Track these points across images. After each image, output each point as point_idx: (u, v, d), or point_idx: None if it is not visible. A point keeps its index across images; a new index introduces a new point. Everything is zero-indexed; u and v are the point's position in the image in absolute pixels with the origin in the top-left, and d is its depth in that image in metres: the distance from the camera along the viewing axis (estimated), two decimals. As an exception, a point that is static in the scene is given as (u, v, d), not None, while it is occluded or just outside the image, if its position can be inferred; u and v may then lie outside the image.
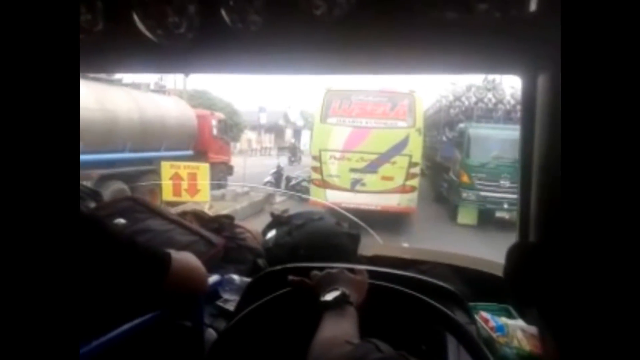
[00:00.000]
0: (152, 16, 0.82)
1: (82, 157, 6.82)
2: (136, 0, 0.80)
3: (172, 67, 1.32)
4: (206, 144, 11.89)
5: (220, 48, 0.93)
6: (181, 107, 11.14)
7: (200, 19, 0.82)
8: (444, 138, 12.93)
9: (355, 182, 8.73)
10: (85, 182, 6.38)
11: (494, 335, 1.11)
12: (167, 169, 7.46)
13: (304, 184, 10.70)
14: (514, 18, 0.71)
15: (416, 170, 8.77)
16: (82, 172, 6.56)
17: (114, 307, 0.74)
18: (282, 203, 8.70)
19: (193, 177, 7.25)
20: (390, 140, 8.59)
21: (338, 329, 0.73)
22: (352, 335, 0.71)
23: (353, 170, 8.70)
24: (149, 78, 10.30)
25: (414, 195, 8.84)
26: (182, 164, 7.57)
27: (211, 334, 1.04)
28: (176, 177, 7.18)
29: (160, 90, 11.22)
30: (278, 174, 12.61)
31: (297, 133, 43.17)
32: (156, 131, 9.46)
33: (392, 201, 8.66)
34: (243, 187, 9.60)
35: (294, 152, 23.51)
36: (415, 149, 8.61)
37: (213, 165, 10.23)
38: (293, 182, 11.68)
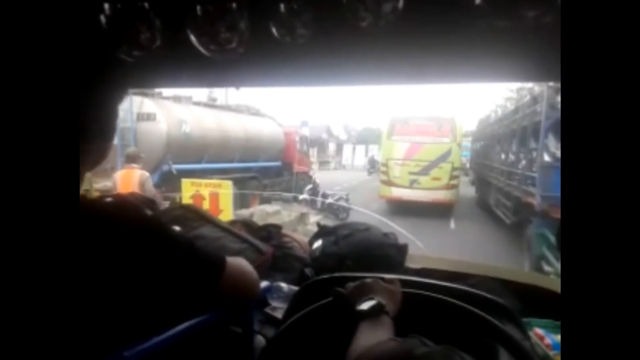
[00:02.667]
0: (206, 32, 0.86)
1: (207, 165, 9.90)
2: (191, 18, 0.85)
3: (224, 81, 1.38)
4: (291, 156, 14.08)
5: (269, 61, 0.96)
6: (272, 126, 13.61)
7: (250, 33, 0.86)
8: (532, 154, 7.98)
9: (413, 181, 12.20)
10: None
11: (551, 353, 1.06)
12: (187, 187, 7.19)
13: (341, 202, 10.15)
14: None
15: (457, 173, 12.39)
16: (207, 177, 8.45)
17: (171, 307, 0.77)
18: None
19: (215, 197, 6.97)
20: (437, 151, 12.15)
21: (374, 337, 0.72)
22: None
23: (411, 173, 12.26)
24: (190, 92, 11.01)
25: (456, 191, 12.48)
26: (203, 181, 7.66)
27: (260, 340, 1.05)
28: (197, 196, 6.99)
29: (213, 103, 11.93)
30: (314, 191, 12.07)
31: (339, 147, 43.15)
32: (255, 146, 11.99)
33: (440, 196, 12.09)
34: (274, 206, 9.43)
35: (372, 164, 26.23)
36: (456, 158, 12.39)
37: (297, 174, 14.07)
38: (329, 199, 10.60)
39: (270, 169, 13.05)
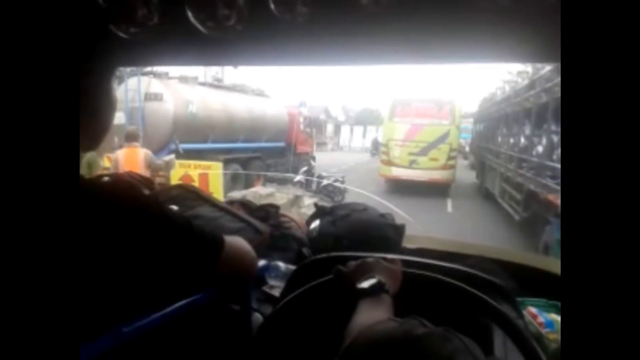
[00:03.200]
0: (204, 9, 0.85)
1: (213, 145, 10.04)
2: None
3: (223, 60, 1.36)
4: (295, 137, 13.98)
5: (268, 40, 0.95)
6: (276, 107, 13.74)
7: (249, 11, 0.84)
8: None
9: (412, 162, 12.71)
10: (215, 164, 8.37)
11: (543, 331, 1.08)
12: (175, 168, 7.10)
13: (337, 184, 10.01)
14: None
15: (454, 154, 12.85)
16: (213, 157, 9.13)
17: (169, 285, 0.78)
18: (312, 206, 7.76)
19: (204, 179, 6.93)
20: (436, 133, 12.60)
21: (373, 315, 0.73)
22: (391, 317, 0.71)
23: (410, 153, 12.71)
24: (196, 72, 11.24)
25: (453, 171, 12.97)
26: (192, 162, 7.68)
27: (257, 317, 1.07)
28: (186, 177, 6.97)
29: (219, 84, 11.86)
30: (309, 173, 11.85)
31: (337, 128, 42.92)
32: (259, 126, 12.09)
33: (437, 175, 12.57)
34: (267, 189, 9.30)
35: (376, 147, 26.28)
36: (454, 139, 12.82)
37: (299, 155, 14.13)
38: (325, 182, 10.30)
39: (274, 149, 13.17)
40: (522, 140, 8.43)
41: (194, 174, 7.17)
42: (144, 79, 9.07)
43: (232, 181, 10.10)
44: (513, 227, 7.99)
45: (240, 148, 11.36)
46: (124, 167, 5.50)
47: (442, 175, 12.60)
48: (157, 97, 9.09)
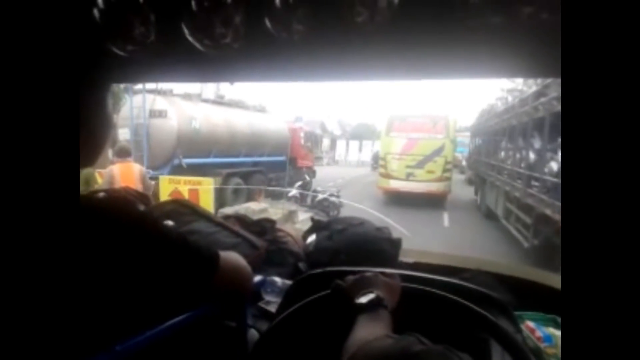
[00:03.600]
0: (200, 27, 0.86)
1: (215, 160, 10.46)
2: (186, 12, 0.84)
3: (219, 77, 1.37)
4: (296, 151, 14.42)
5: (264, 57, 0.96)
6: (277, 122, 14.25)
7: (245, 29, 0.85)
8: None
9: (409, 174, 13.29)
10: (217, 178, 9.36)
11: (542, 345, 1.08)
12: (165, 185, 7.10)
13: (333, 199, 9.91)
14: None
15: (449, 166, 13.36)
16: (215, 171, 9.88)
17: (164, 303, 0.77)
18: (306, 221, 7.44)
19: (194, 195, 6.93)
20: (432, 146, 13.21)
21: (372, 330, 0.73)
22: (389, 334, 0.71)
23: (407, 166, 13.34)
24: (198, 89, 11.54)
25: (449, 183, 13.41)
26: (182, 178, 7.76)
27: (254, 334, 1.06)
28: (176, 193, 6.97)
29: (221, 100, 12.13)
30: (304, 187, 12.05)
31: (333, 142, 43.04)
32: (261, 141, 12.48)
33: (434, 187, 13.19)
34: (260, 204, 9.16)
35: (376, 160, 26.55)
36: (449, 152, 13.33)
37: (300, 169, 14.76)
38: (320, 197, 10.12)
39: (276, 164, 13.40)
40: (531, 155, 7.65)
41: (184, 189, 7.13)
42: (149, 96, 9.41)
43: (234, 194, 10.55)
44: (519, 252, 7.24)
45: (242, 162, 11.74)
46: (121, 183, 5.55)
47: (438, 187, 13.22)
48: (162, 114, 9.46)
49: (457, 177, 19.87)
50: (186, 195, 7.01)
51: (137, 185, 5.55)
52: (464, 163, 23.28)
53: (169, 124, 9.46)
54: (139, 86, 9.13)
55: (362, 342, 0.67)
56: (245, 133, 11.79)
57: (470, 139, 18.24)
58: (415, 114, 13.85)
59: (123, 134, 9.28)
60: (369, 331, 0.72)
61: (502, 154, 10.16)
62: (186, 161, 9.45)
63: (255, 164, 12.43)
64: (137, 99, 9.38)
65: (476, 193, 13.83)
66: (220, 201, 9.35)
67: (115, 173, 5.73)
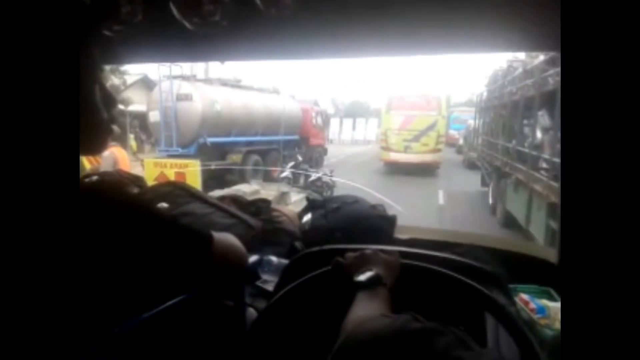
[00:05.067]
0: (189, 5, 0.84)
1: (235, 139, 11.60)
2: None
3: (209, 55, 1.35)
4: (308, 130, 15.76)
5: (254, 34, 0.94)
6: (291, 103, 15.15)
7: (234, 6, 0.84)
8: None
9: (406, 147, 15.41)
10: (237, 155, 11.10)
11: (535, 317, 1.10)
12: (150, 168, 6.96)
13: (325, 179, 9.55)
14: None
15: (442, 139, 15.52)
16: (235, 149, 11.42)
17: (159, 285, 0.78)
18: (299, 202, 6.62)
19: (181, 177, 6.91)
20: (426, 122, 15.34)
21: (370, 308, 0.74)
22: (385, 313, 0.72)
23: (405, 140, 15.45)
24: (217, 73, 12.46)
25: (441, 154, 15.60)
26: (168, 161, 7.80)
27: (252, 312, 1.07)
28: (162, 177, 6.92)
29: (238, 84, 13.02)
30: (316, 164, 13.12)
31: (326, 121, 42.59)
32: (276, 121, 13.33)
33: (428, 158, 15.33)
34: (252, 186, 9.22)
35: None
36: (441, 127, 15.55)
37: (312, 147, 15.99)
38: (313, 177, 9.55)
39: (289, 142, 14.45)
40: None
41: (170, 173, 7.06)
42: (175, 81, 10.38)
43: (254, 171, 11.50)
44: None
45: (259, 141, 12.81)
46: (120, 165, 5.78)
47: (432, 158, 15.44)
48: (187, 97, 10.35)
49: (453, 156, 19.36)
50: (172, 178, 6.93)
51: (127, 168, 5.75)
52: (461, 142, 21.19)
53: (194, 107, 10.31)
54: (166, 72, 10.19)
55: (359, 321, 0.67)
56: (262, 114, 12.75)
57: (475, 114, 14.24)
58: (411, 94, 16.08)
59: (153, 116, 10.59)
60: (367, 310, 0.73)
61: (537, 136, 6.47)
62: (210, 140, 10.44)
63: (271, 142, 13.41)
64: (165, 85, 10.32)
65: (485, 184, 10.56)
66: (242, 176, 10.36)
67: (116, 155, 5.88)
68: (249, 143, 12.30)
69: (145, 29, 0.90)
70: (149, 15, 0.89)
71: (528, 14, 0.77)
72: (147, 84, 19.34)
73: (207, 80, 11.47)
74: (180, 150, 10.12)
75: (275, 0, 0.80)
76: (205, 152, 10.47)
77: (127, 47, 1.05)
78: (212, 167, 9.66)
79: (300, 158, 13.38)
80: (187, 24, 0.86)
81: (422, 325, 0.60)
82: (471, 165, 15.52)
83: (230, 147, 11.43)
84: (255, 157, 12.09)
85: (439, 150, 15.51)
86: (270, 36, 0.95)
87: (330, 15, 0.84)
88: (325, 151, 17.42)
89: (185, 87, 10.47)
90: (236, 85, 12.61)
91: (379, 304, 0.76)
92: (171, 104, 10.24)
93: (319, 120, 17.07)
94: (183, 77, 10.67)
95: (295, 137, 14.89)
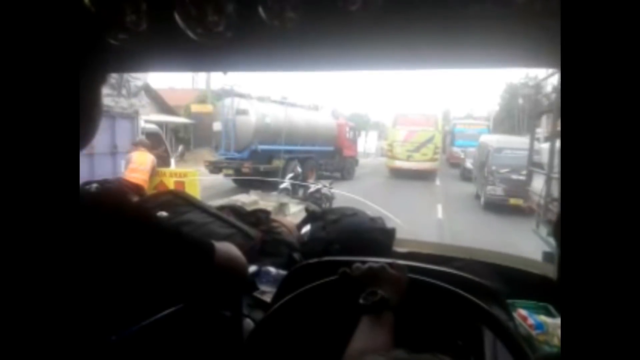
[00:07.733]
0: (193, 15, 0.85)
1: (280, 147, 13.51)
2: (178, 1, 0.83)
3: (212, 66, 1.35)
4: (342, 143, 18.22)
5: (257, 46, 0.95)
6: (326, 118, 18.20)
7: (238, 17, 0.85)
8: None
9: (409, 156, 18.85)
10: (280, 161, 13.22)
11: (533, 333, 1.10)
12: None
13: (324, 190, 9.56)
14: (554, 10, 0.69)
15: (438, 150, 19.28)
16: (279, 155, 13.39)
17: (161, 294, 0.77)
18: (298, 214, 6.74)
19: (180, 186, 6.89)
20: (425, 136, 18.95)
21: (372, 339, 0.73)
22: (386, 344, 0.71)
23: (407, 150, 18.92)
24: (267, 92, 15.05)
25: (438, 162, 19.32)
26: (167, 170, 7.97)
27: (249, 323, 1.07)
28: (161, 185, 6.94)
29: (284, 101, 15.31)
30: (348, 173, 15.04)
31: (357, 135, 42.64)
32: (313, 133, 16.02)
33: (427, 165, 18.79)
34: (251, 196, 8.95)
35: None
36: (438, 140, 19.25)
37: (345, 158, 18.39)
38: (312, 188, 9.72)
39: (325, 152, 17.05)
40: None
41: (169, 181, 7.09)
42: (235, 99, 13.10)
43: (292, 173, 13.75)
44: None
45: (299, 150, 15.06)
46: (133, 167, 6.59)
47: (430, 165, 18.88)
48: (244, 112, 13.11)
49: (452, 172, 20.47)
50: (172, 187, 6.88)
51: (148, 172, 6.70)
52: (468, 164, 16.95)
53: (249, 120, 13.12)
54: (228, 90, 13.03)
55: (357, 357, 0.66)
56: (302, 127, 15.33)
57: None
58: (413, 112, 19.88)
59: (216, 126, 13.60)
60: (369, 341, 0.72)
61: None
62: (261, 147, 13.14)
63: (309, 151, 15.78)
64: (227, 101, 13.23)
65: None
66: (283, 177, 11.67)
67: (133, 158, 6.67)
68: (291, 151, 14.42)
69: (150, 38, 0.91)
70: (154, 25, 0.89)
71: (529, 30, 0.78)
72: (149, 93, 19.48)
73: (260, 98, 14.16)
74: (237, 155, 13.03)
75: (279, 13, 0.81)
76: (255, 156, 13.12)
77: (131, 56, 1.06)
78: (261, 169, 12.35)
79: (300, 170, 13.83)
80: (191, 34, 0.87)
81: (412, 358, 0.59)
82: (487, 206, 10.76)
83: (276, 153, 13.58)
84: (294, 163, 14.17)
85: (435, 159, 19.17)
86: (274, 48, 0.96)
87: (333, 27, 0.85)
88: (356, 162, 19.78)
89: (243, 104, 13.23)
90: (283, 102, 15.14)
91: (382, 332, 0.75)
92: (231, 117, 13.05)
93: (352, 134, 19.72)
94: (242, 96, 13.38)
95: (331, 148, 17.34)
